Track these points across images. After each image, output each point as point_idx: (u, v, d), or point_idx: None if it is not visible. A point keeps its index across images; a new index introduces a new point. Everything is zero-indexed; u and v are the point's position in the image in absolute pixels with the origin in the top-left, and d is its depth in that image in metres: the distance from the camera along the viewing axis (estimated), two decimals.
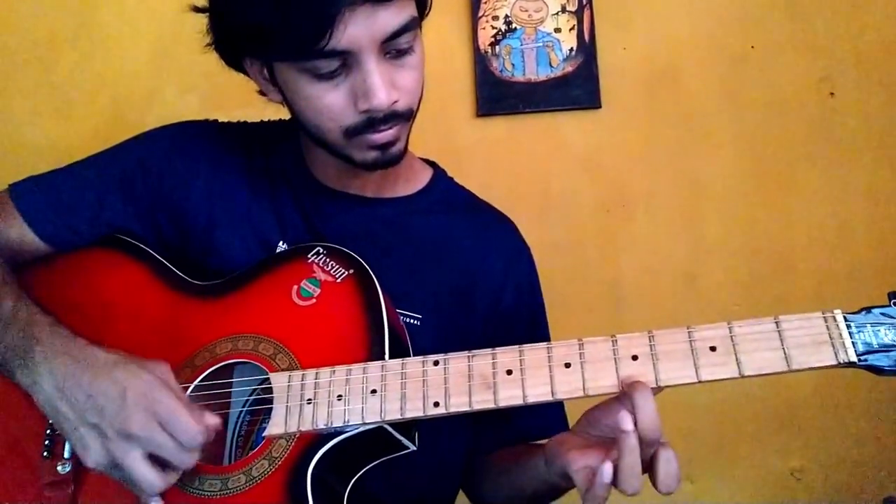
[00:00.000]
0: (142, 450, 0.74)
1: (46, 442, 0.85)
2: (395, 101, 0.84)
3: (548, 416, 1.00)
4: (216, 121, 1.05)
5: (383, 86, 0.82)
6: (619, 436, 0.69)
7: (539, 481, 0.86)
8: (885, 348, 0.68)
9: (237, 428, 0.89)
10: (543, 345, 0.76)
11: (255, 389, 0.87)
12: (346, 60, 0.81)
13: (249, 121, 1.06)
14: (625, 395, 0.72)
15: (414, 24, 0.84)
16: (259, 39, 0.82)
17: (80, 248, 0.98)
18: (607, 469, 0.69)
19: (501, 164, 1.64)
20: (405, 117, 0.88)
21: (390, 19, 0.80)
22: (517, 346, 0.77)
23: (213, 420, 0.77)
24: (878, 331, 0.69)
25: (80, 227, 0.97)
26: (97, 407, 0.75)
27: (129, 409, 0.74)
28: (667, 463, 0.70)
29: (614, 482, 0.70)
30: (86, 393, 0.76)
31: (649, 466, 0.72)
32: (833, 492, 1.59)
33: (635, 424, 0.69)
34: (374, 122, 0.85)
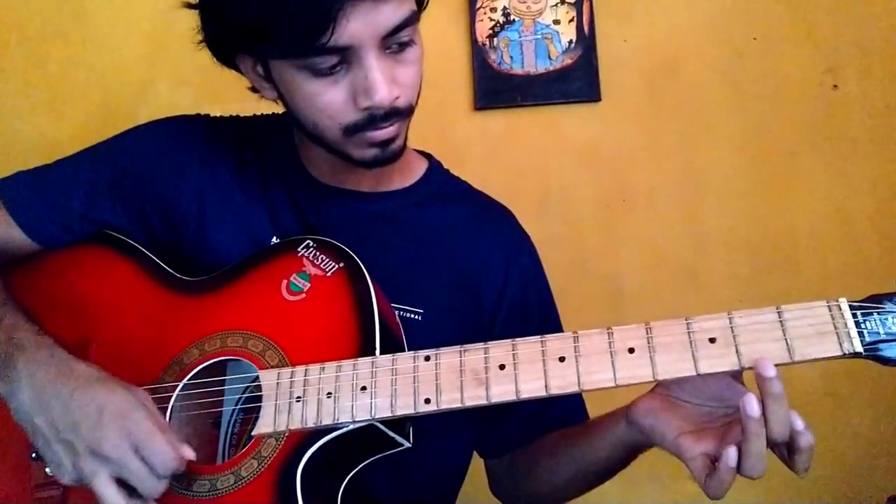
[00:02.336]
0: (110, 472, 0.73)
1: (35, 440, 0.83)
2: (397, 98, 0.82)
3: (572, 404, 0.98)
4: (207, 115, 1.03)
5: (385, 82, 0.80)
6: (745, 420, 0.66)
7: (617, 448, 0.84)
8: (893, 337, 0.66)
9: (230, 426, 0.87)
10: (537, 338, 0.74)
11: (247, 387, 0.86)
12: (346, 56, 0.79)
13: (242, 115, 1.04)
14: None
15: (414, 18, 0.82)
16: (256, 36, 0.79)
17: (68, 246, 0.96)
18: (732, 454, 0.67)
19: (500, 158, 1.63)
20: (406, 114, 0.86)
21: (391, 13, 0.78)
22: (510, 340, 0.75)
23: (188, 453, 0.75)
24: (886, 319, 0.66)
25: (68, 224, 0.96)
26: (73, 423, 0.73)
27: (104, 427, 0.72)
28: (808, 451, 0.68)
29: (738, 467, 0.68)
30: (64, 407, 0.74)
31: (777, 448, 0.69)
32: (837, 490, 1.57)
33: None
34: (374, 119, 0.83)
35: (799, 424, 0.68)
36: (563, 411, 0.98)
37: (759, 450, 0.67)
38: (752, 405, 0.66)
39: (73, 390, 0.75)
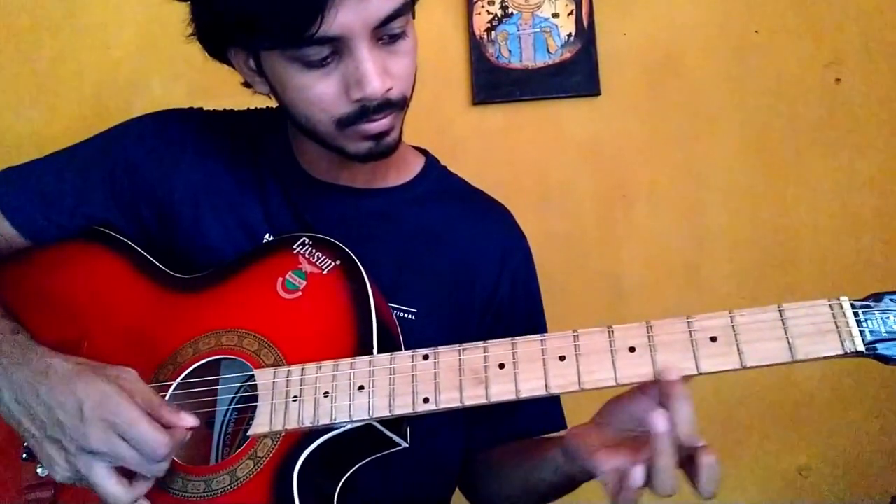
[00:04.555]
0: (106, 463, 0.72)
1: (25, 444, 0.82)
2: (389, 89, 0.81)
3: (546, 412, 0.98)
4: (201, 109, 1.03)
5: (377, 73, 0.79)
6: (653, 437, 0.65)
7: (556, 474, 0.84)
8: (894, 336, 0.65)
9: (224, 427, 0.86)
10: (537, 337, 0.73)
11: (241, 386, 0.85)
12: (337, 47, 0.78)
13: (236, 109, 1.03)
14: (649, 387, 0.70)
15: (407, 9, 0.81)
16: (246, 27, 0.79)
17: (59, 242, 0.95)
18: (639, 473, 0.66)
19: (498, 153, 1.62)
20: (399, 105, 0.85)
21: (383, 4, 0.77)
22: (510, 339, 0.74)
23: (188, 420, 0.74)
24: (887, 318, 0.66)
25: (59, 219, 0.95)
26: (57, 421, 0.73)
27: (87, 423, 0.72)
28: (709, 469, 0.67)
29: (647, 484, 0.67)
30: (45, 406, 0.74)
31: (686, 467, 0.68)
32: (840, 490, 1.57)
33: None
34: (367, 111, 0.82)
35: (698, 441, 0.67)
36: (536, 419, 0.97)
37: (667, 465, 0.66)
38: (660, 421, 0.65)
39: (50, 388, 0.74)
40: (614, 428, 0.75)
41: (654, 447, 0.66)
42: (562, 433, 0.83)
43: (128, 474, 0.74)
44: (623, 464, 0.69)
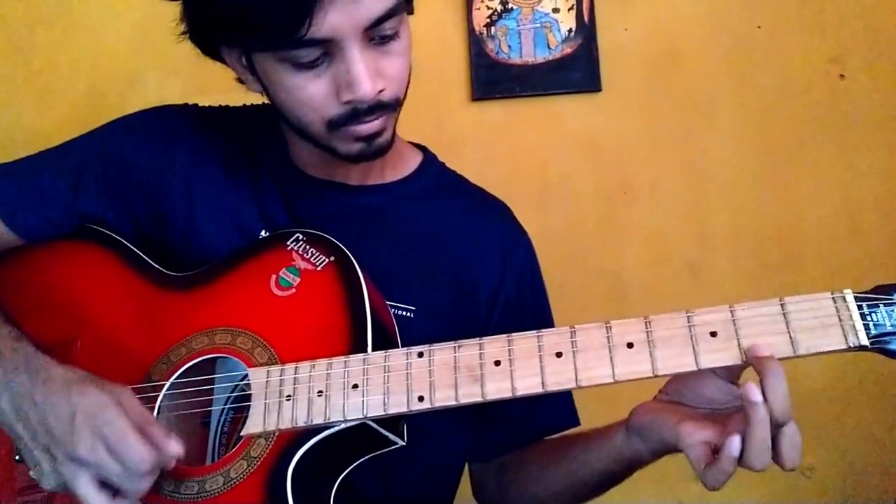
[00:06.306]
0: (90, 474, 0.72)
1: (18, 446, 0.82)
2: (381, 91, 0.80)
3: (564, 407, 0.98)
4: (196, 105, 1.02)
5: (368, 75, 0.78)
6: (748, 408, 0.64)
7: (616, 460, 0.83)
8: None
9: (220, 426, 0.86)
10: (533, 333, 0.72)
11: (236, 385, 0.84)
12: (328, 49, 0.77)
13: (232, 105, 1.02)
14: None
15: (400, 9, 0.80)
16: (235, 28, 0.78)
17: (52, 240, 0.95)
18: (736, 442, 0.65)
19: (498, 150, 1.61)
20: (391, 107, 0.84)
21: (373, 5, 0.76)
22: (505, 336, 0.73)
23: (174, 448, 0.73)
24: (893, 311, 0.64)
25: (52, 217, 0.94)
26: (48, 428, 0.73)
27: (77, 431, 0.71)
28: (793, 437, 0.66)
29: (740, 458, 0.66)
30: (39, 413, 0.74)
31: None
32: (844, 490, 1.56)
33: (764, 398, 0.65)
34: (358, 113, 0.81)
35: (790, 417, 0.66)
36: (555, 416, 0.97)
37: (763, 437, 0.65)
38: (754, 391, 0.64)
39: (47, 396, 0.74)
40: (685, 404, 0.75)
41: (751, 418, 0.65)
42: (620, 420, 0.82)
43: (112, 491, 0.73)
44: (710, 436, 0.69)
